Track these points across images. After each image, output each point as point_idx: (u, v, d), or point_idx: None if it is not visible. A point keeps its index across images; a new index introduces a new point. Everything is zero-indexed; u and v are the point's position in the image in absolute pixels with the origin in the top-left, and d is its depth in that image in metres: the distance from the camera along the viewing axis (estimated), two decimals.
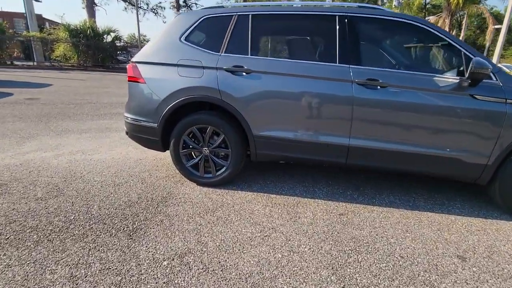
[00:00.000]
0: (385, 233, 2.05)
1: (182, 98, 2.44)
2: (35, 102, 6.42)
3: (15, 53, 19.25)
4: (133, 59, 2.62)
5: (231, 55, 2.42)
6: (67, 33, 17.80)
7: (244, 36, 2.43)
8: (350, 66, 2.25)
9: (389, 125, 2.24)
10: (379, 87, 2.19)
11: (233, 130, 2.47)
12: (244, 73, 2.36)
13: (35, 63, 18.23)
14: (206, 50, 2.46)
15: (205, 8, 2.64)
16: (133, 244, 1.81)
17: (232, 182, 2.74)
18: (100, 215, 2.12)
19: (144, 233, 1.93)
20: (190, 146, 2.62)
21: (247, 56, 2.40)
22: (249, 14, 2.44)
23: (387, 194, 2.68)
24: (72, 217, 2.07)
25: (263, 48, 2.63)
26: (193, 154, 2.72)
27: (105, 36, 19.27)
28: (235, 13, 2.47)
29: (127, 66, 2.64)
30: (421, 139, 2.22)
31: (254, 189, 2.67)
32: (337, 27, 2.29)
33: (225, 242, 1.87)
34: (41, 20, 28.44)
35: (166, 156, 3.26)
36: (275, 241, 1.90)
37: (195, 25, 2.52)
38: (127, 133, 2.82)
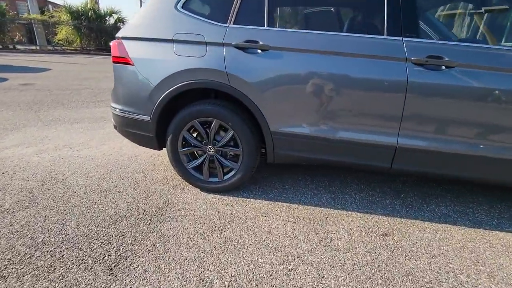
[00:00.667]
0: (450, 265, 1.53)
1: (180, 84, 1.91)
2: (29, 88, 5.97)
3: (17, 37, 18.74)
4: (118, 34, 2.08)
5: (243, 26, 1.85)
6: (68, 15, 17.15)
7: (260, 2, 1.85)
8: (404, 38, 1.67)
9: (456, 120, 1.67)
10: (443, 67, 1.61)
11: (244, 125, 1.94)
12: (259, 51, 1.80)
13: (37, 47, 17.74)
14: (209, 21, 1.89)
15: None
16: (113, 285, 1.34)
17: (242, 186, 2.25)
18: (77, 235, 1.66)
19: (130, 264, 1.46)
20: (192, 144, 2.11)
21: (264, 28, 1.83)
22: None
23: (436, 203, 2.15)
24: (40, 239, 1.62)
25: (285, 17, 2.06)
26: (196, 154, 2.22)
27: (107, 18, 18.55)
28: None
29: (111, 44, 2.11)
30: (506, 140, 1.66)
31: (270, 196, 2.17)
32: None
33: (236, 281, 1.39)
34: (43, 3, 27.68)
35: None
36: (303, 279, 1.41)
37: None
38: (115, 127, 2.32)
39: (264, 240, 1.67)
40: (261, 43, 1.79)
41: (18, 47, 17.80)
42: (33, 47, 17.79)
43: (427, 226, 1.86)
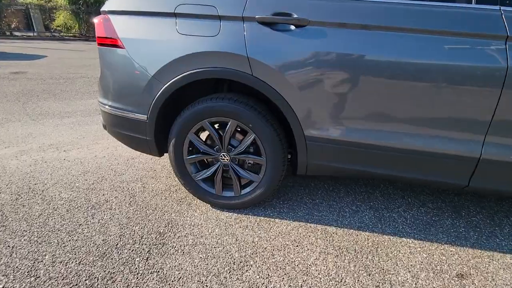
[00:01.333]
0: None
1: (184, 74, 1.44)
2: (20, 76, 5.50)
3: (14, 23, 18.09)
4: (104, 7, 1.60)
5: None
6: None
7: None
8: (501, 7, 1.17)
9: None
10: None
11: (269, 128, 1.48)
12: (293, 27, 1.32)
13: (35, 34, 17.10)
14: None
15: None
16: None
17: (263, 201, 1.81)
18: (50, 278, 1.24)
19: None
20: (201, 151, 1.66)
21: None
22: None
23: (510, 224, 1.70)
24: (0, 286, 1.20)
25: None
26: (206, 162, 1.77)
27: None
28: None
29: (95, 21, 1.63)
30: None
31: (298, 214, 1.73)
32: None
33: None
34: None
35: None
36: None
37: None
38: (104, 127, 1.87)
39: (301, 286, 1.24)
40: (296, 16, 1.30)
41: (16, 33, 17.19)
42: (31, 34, 17.16)
43: (510, 260, 1.42)
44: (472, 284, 1.28)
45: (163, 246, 1.45)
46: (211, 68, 1.40)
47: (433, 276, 1.31)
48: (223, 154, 1.63)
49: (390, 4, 1.25)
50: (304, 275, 1.30)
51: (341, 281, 1.27)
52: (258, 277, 1.28)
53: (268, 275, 1.29)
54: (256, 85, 1.39)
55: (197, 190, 1.73)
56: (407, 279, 1.29)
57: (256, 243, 1.49)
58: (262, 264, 1.35)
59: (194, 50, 1.40)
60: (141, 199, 1.83)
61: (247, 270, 1.31)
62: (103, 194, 1.87)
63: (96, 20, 1.63)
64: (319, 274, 1.31)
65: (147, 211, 1.72)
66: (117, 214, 1.68)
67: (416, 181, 1.46)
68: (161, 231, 1.55)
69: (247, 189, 1.67)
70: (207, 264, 1.34)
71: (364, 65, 1.27)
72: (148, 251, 1.41)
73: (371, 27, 1.25)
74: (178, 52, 1.42)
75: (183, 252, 1.41)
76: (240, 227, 1.61)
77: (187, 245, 1.46)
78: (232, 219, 1.67)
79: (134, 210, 1.72)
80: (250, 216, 1.70)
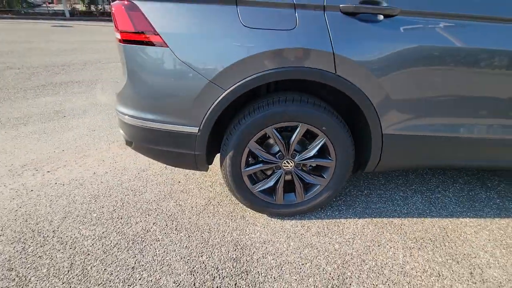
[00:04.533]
0: None
1: (254, 76, 1.20)
2: None
3: None
4: None
5: None
6: None
7: None
8: None
9: None
10: None
11: (342, 128, 1.37)
12: (381, 17, 1.18)
13: None
14: None
15: None
16: None
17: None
18: None
19: None
20: (262, 160, 1.47)
21: None
22: None
23: None
24: None
25: None
26: (263, 172, 1.59)
27: None
28: None
29: (112, 8, 1.23)
30: None
31: (358, 210, 1.70)
32: None
33: None
34: None
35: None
36: None
37: None
38: (129, 143, 1.51)
39: None
40: (385, 5, 1.16)
41: None
42: None
43: None
44: None
45: (247, 275, 1.28)
46: (288, 68, 1.20)
47: (506, 252, 1.43)
48: (287, 161, 1.47)
49: None
50: (404, 276, 1.29)
51: (440, 275, 1.30)
52: None
53: (374, 284, 1.25)
54: (338, 84, 1.24)
55: (254, 202, 1.56)
56: (489, 259, 1.39)
57: (339, 250, 1.42)
58: (360, 274, 1.30)
59: (268, 47, 1.16)
60: (186, 220, 1.59)
61: (350, 284, 1.25)
62: (136, 222, 1.56)
63: (113, 8, 1.23)
64: (416, 272, 1.31)
65: (203, 234, 1.50)
66: (170, 245, 1.42)
67: (490, 167, 1.54)
68: (234, 256, 1.37)
69: (311, 193, 1.57)
70: (307, 286, 1.24)
71: (457, 59, 1.21)
72: (235, 284, 1.23)
73: (467, 17, 1.19)
74: (247, 50, 1.17)
75: (275, 278, 1.27)
76: (312, 235, 1.51)
77: (272, 267, 1.32)
78: (298, 227, 1.56)
79: (187, 236, 1.48)
80: (314, 220, 1.62)
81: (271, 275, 1.28)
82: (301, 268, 1.32)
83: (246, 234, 1.51)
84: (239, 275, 1.28)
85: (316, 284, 1.24)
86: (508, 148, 1.44)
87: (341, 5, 1.15)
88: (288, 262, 1.35)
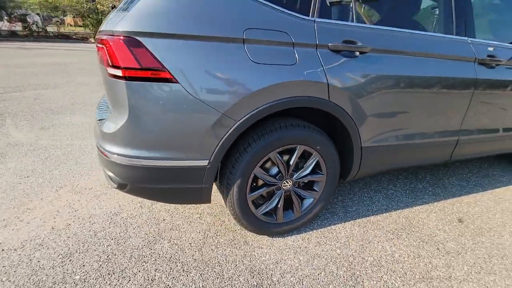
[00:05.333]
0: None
1: (264, 107, 1.29)
2: None
3: None
4: (123, 27, 1.14)
5: (334, 22, 1.41)
6: None
7: None
8: (469, 38, 1.75)
9: (499, 109, 1.96)
10: (496, 65, 1.82)
11: (331, 146, 1.58)
12: (357, 53, 1.44)
13: None
14: (289, 12, 1.33)
15: None
16: None
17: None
18: None
19: None
20: (266, 183, 1.54)
21: (359, 25, 1.46)
22: None
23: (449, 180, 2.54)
24: None
25: (371, 11, 1.69)
26: (263, 195, 1.65)
27: None
28: None
29: (107, 43, 1.13)
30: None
31: (349, 213, 1.93)
32: None
33: None
34: None
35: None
36: None
37: None
38: (122, 186, 1.36)
39: (406, 274, 1.48)
40: (360, 44, 1.43)
41: None
42: None
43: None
44: (469, 225, 1.91)
45: None
46: (292, 97, 1.33)
47: (450, 228, 1.86)
48: (286, 181, 1.58)
49: (428, 36, 1.62)
50: (397, 263, 1.54)
51: (419, 256, 1.60)
52: (381, 285, 1.42)
53: (380, 276, 1.45)
54: (332, 109, 1.44)
55: (259, 226, 1.61)
56: (443, 235, 1.78)
57: (341, 254, 1.59)
58: (366, 270, 1.49)
59: (276, 80, 1.27)
60: (191, 259, 1.50)
61: (363, 281, 1.42)
62: (135, 274, 1.39)
63: (111, 43, 1.14)
64: (404, 258, 1.58)
65: (214, 269, 1.44)
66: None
67: (420, 164, 1.97)
68: (255, 283, 1.38)
69: (305, 208, 1.70)
70: None
71: (410, 83, 1.58)
72: None
73: (415, 54, 1.57)
74: (257, 83, 1.25)
75: None
76: (314, 246, 1.64)
77: (295, 284, 1.38)
78: (300, 241, 1.67)
79: (199, 275, 1.41)
80: (310, 232, 1.75)
81: None
82: (318, 278, 1.43)
83: (257, 259, 1.53)
84: None
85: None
86: (439, 148, 1.91)
87: (329, 44, 1.37)
88: (306, 276, 1.44)
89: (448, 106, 1.77)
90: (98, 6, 16.39)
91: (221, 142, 1.29)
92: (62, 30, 17.46)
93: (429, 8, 1.93)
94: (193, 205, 1.94)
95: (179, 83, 1.17)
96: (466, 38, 1.74)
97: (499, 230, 1.86)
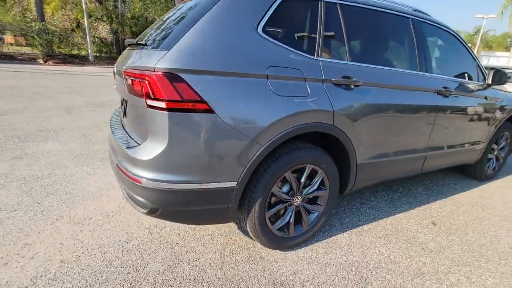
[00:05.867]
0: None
1: (284, 132, 1.48)
2: None
3: None
4: (162, 64, 1.26)
5: (332, 60, 1.70)
6: None
7: (339, 34, 1.75)
8: (429, 73, 2.18)
9: (453, 129, 2.42)
10: (449, 94, 2.28)
11: (333, 164, 1.82)
12: (352, 86, 1.73)
13: None
14: (300, 52, 1.57)
15: None
16: None
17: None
18: None
19: None
20: (282, 200, 1.70)
21: (352, 64, 1.77)
22: (336, 3, 1.75)
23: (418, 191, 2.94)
24: None
25: (360, 51, 2.00)
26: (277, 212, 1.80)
27: None
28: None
29: (152, 77, 1.24)
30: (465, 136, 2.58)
31: (343, 227, 2.14)
32: (413, 30, 2.11)
33: None
34: None
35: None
36: None
37: (273, 7, 1.52)
38: (153, 210, 1.41)
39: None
40: (354, 79, 1.73)
41: None
42: None
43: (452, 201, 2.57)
44: (442, 227, 2.26)
45: None
46: (307, 124, 1.55)
47: (427, 230, 2.19)
48: (297, 197, 1.76)
49: (408, 73, 2.04)
50: (394, 264, 1.78)
51: (410, 256, 1.86)
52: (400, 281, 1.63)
53: (384, 276, 1.67)
54: (336, 132, 1.69)
55: (275, 241, 1.75)
56: (424, 237, 2.09)
57: (348, 260, 1.78)
58: (372, 272, 1.70)
59: (295, 110, 1.48)
60: (214, 278, 1.56)
61: (371, 282, 1.62)
62: None
63: (154, 77, 1.25)
64: (399, 259, 1.83)
65: (240, 285, 1.53)
66: None
67: (401, 177, 2.31)
68: None
69: (312, 222, 1.89)
70: None
71: (394, 109, 1.92)
72: None
73: (396, 88, 1.93)
74: (280, 112, 1.45)
75: None
76: (323, 255, 1.81)
77: None
78: (309, 252, 1.83)
79: None
80: (316, 243, 1.92)
81: None
82: (334, 283, 1.59)
83: (276, 272, 1.65)
84: None
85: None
86: (414, 162, 2.27)
87: (332, 79, 1.64)
88: (323, 282, 1.59)
89: (419, 127, 2.15)
90: (48, 26, 15.53)
91: (248, 164, 1.44)
92: (5, 50, 16.02)
93: (400, 48, 2.37)
94: (202, 227, 2.00)
95: (215, 113, 1.32)
96: (427, 73, 2.17)
97: (464, 229, 2.24)
